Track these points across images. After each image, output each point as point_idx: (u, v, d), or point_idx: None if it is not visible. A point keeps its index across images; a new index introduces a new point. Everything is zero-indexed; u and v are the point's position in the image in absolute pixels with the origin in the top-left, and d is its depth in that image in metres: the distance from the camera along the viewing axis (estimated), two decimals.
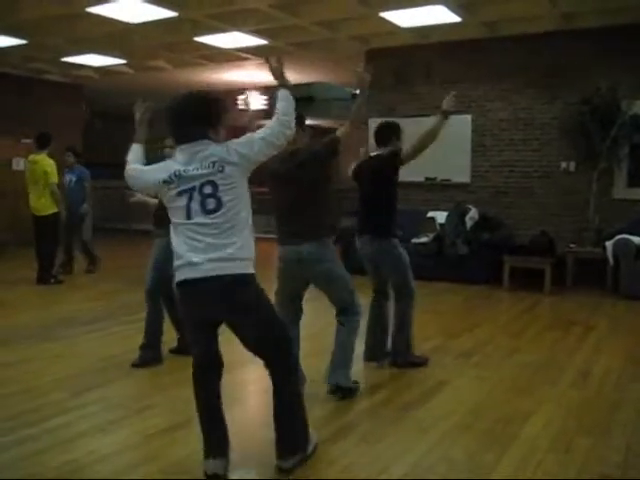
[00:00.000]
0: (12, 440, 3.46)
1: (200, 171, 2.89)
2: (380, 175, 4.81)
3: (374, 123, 10.00)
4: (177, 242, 2.95)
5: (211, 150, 2.94)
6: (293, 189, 3.94)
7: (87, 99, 14.20)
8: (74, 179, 8.89)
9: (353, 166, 5.08)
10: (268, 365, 3.11)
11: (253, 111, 14.36)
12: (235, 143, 3.00)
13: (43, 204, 8.08)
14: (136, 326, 5.76)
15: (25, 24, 8.66)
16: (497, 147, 9.35)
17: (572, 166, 8.76)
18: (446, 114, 4.71)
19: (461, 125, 9.41)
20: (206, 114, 3.02)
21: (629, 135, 8.14)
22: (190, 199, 2.89)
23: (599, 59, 8.47)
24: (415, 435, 3.58)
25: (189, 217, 2.90)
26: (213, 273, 2.85)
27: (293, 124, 3.10)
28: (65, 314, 6.69)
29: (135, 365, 4.80)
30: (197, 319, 3.02)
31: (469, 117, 9.43)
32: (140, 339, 4.95)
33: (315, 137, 4.21)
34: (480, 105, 9.42)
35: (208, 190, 2.88)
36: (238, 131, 3.72)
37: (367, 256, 4.87)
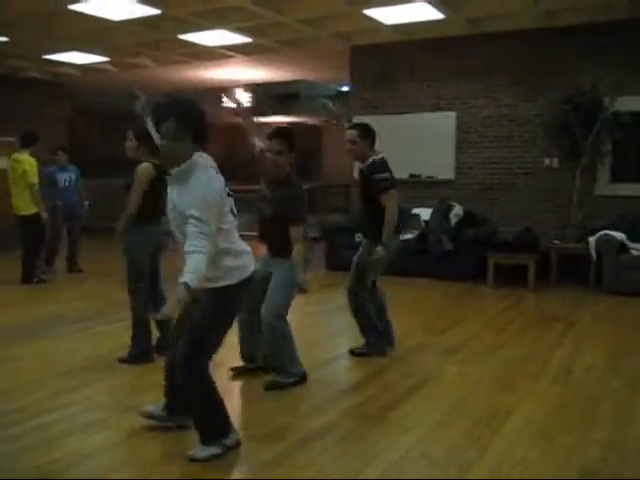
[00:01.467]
0: None
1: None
2: None
3: (359, 121, 10.11)
4: (233, 241, 3.16)
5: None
6: None
7: (70, 97, 14.09)
8: (73, 177, 8.90)
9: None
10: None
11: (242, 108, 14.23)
12: None
13: (24, 204, 8.03)
14: (123, 325, 5.74)
15: (6, 21, 8.57)
16: (481, 144, 9.38)
17: (555, 162, 8.81)
18: None
19: (445, 122, 9.45)
20: None
21: (611, 132, 8.19)
22: (230, 202, 3.14)
23: (582, 56, 8.52)
24: (396, 433, 3.58)
25: (235, 217, 3.19)
26: None
27: None
28: (52, 313, 6.65)
29: (120, 360, 4.85)
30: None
31: (453, 114, 9.46)
32: (127, 339, 4.94)
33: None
34: (464, 102, 9.45)
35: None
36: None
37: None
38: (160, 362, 4.79)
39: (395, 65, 9.89)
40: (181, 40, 9.56)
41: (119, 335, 5.44)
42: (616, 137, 8.21)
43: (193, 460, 3.17)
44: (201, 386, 3.19)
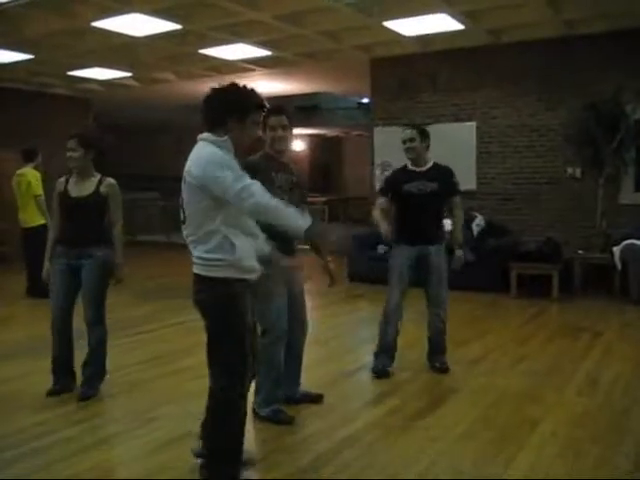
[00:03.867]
0: (21, 453, 3.47)
1: None
2: None
3: (379, 133, 10.12)
4: None
5: None
6: None
7: (95, 112, 14.28)
8: None
9: None
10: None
11: None
12: None
13: (30, 216, 8.17)
14: (140, 339, 5.82)
15: (31, 39, 8.72)
16: (502, 154, 9.33)
17: (578, 172, 8.73)
18: None
19: (466, 132, 9.43)
20: None
21: (634, 139, 8.11)
22: None
23: (603, 64, 8.45)
24: (422, 444, 3.56)
25: None
26: None
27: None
28: None
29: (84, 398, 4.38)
30: None
31: (474, 124, 9.43)
32: (142, 353, 4.93)
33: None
34: (485, 112, 9.42)
35: None
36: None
37: None
38: (175, 376, 4.84)
39: (415, 76, 9.90)
40: (202, 54, 9.66)
41: (134, 349, 5.61)
42: None
43: None
44: None
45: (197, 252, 2.92)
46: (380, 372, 4.81)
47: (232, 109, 2.91)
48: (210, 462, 2.98)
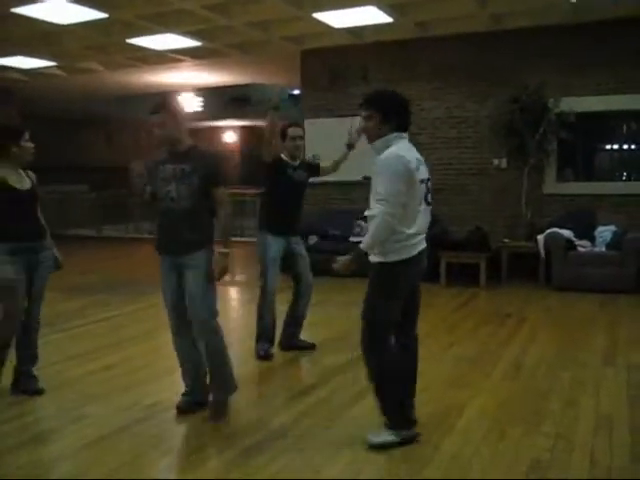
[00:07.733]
0: None
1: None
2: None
3: (310, 125, 10.15)
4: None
5: None
6: None
7: (18, 102, 13.79)
8: None
9: None
10: None
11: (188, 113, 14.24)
12: None
13: None
14: (72, 334, 5.71)
15: None
16: (432, 145, 9.48)
17: (504, 163, 8.98)
18: (350, 147, 5.12)
19: None
20: None
21: (556, 131, 8.39)
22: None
23: (528, 58, 8.71)
24: (352, 433, 3.61)
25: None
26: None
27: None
28: None
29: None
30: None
31: None
32: (71, 349, 4.86)
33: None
34: (415, 104, 9.47)
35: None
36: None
37: None
38: (104, 374, 4.77)
39: (346, 68, 9.95)
40: (129, 44, 9.46)
41: (66, 345, 5.50)
42: (561, 137, 8.40)
43: (371, 446, 3.35)
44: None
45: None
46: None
47: None
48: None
